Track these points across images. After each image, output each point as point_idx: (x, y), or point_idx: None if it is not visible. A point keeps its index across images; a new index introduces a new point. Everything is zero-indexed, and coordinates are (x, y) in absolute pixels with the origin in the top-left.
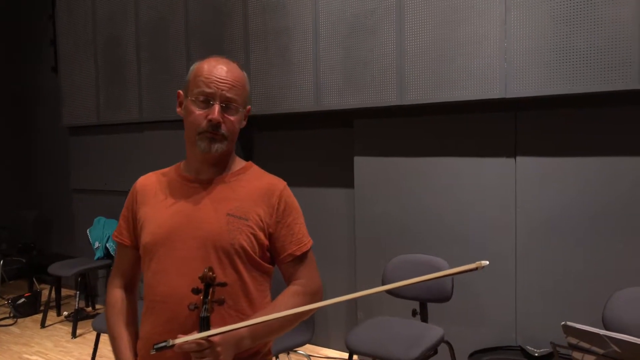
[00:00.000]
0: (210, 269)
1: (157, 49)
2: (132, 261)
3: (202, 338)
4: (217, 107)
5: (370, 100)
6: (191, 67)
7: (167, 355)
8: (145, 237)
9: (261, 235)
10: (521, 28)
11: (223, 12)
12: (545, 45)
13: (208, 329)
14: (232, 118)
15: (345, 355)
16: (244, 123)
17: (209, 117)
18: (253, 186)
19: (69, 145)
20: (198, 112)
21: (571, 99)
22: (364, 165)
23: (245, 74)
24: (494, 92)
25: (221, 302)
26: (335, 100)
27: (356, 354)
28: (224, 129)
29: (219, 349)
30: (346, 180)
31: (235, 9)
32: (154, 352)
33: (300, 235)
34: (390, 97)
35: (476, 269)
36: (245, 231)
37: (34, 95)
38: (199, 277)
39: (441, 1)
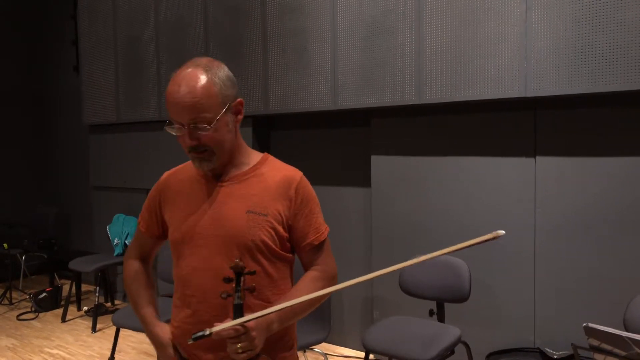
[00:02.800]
0: (240, 259)
1: (176, 48)
2: (150, 245)
3: (238, 324)
4: (186, 134)
5: (388, 99)
6: None
7: (202, 342)
8: (173, 235)
9: (280, 229)
10: (542, 27)
11: (241, 13)
12: (567, 44)
13: (242, 315)
14: (207, 134)
15: (361, 354)
16: (240, 117)
17: (185, 145)
18: (271, 180)
19: (89, 143)
20: (178, 135)
21: (592, 99)
22: (381, 164)
23: (211, 75)
24: (514, 91)
25: (252, 290)
26: (353, 99)
27: (373, 353)
28: (203, 147)
29: (253, 333)
30: (363, 179)
31: (254, 10)
32: (191, 342)
33: (317, 225)
34: (408, 96)
35: (494, 238)
36: (265, 226)
37: (54, 95)
38: (230, 267)
39: (460, 0)
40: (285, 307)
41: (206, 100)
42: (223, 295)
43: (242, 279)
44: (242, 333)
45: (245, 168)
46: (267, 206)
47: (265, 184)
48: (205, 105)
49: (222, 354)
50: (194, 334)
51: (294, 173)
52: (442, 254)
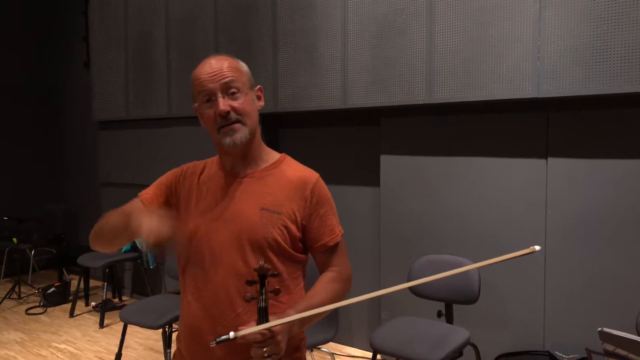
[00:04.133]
0: (265, 262)
1: (186, 45)
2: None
3: (264, 329)
4: (219, 99)
5: (398, 98)
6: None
7: (222, 346)
8: (185, 226)
9: (294, 228)
10: (555, 27)
11: (252, 11)
12: (580, 44)
13: (267, 318)
14: (239, 101)
15: (369, 354)
16: (261, 103)
17: (216, 111)
18: (287, 180)
19: (98, 139)
20: (208, 111)
21: (605, 100)
22: (390, 164)
23: (239, 60)
24: (526, 91)
25: (277, 292)
26: (363, 98)
27: (380, 353)
28: (234, 115)
29: (279, 337)
30: (372, 178)
31: (264, 8)
32: (214, 344)
33: (331, 227)
34: (418, 96)
35: (529, 253)
36: (278, 224)
37: (64, 91)
38: (254, 269)
39: (473, 0)
40: (305, 310)
41: (237, 71)
42: (247, 298)
43: (266, 281)
44: (268, 337)
45: (263, 165)
46: (281, 205)
47: (282, 183)
48: (235, 73)
49: (244, 357)
50: (217, 337)
51: (311, 174)
52: (472, 269)
